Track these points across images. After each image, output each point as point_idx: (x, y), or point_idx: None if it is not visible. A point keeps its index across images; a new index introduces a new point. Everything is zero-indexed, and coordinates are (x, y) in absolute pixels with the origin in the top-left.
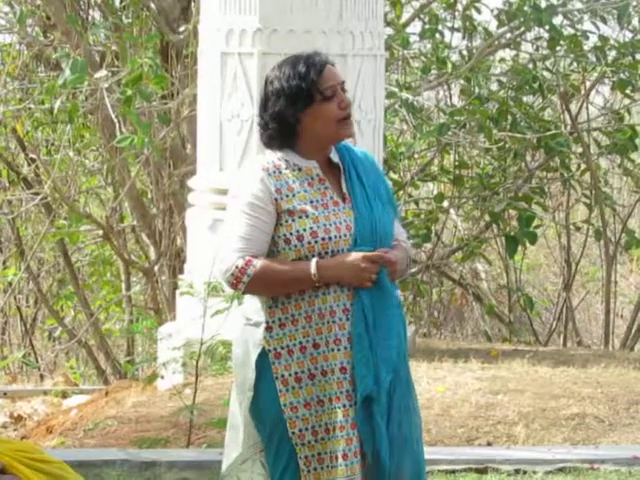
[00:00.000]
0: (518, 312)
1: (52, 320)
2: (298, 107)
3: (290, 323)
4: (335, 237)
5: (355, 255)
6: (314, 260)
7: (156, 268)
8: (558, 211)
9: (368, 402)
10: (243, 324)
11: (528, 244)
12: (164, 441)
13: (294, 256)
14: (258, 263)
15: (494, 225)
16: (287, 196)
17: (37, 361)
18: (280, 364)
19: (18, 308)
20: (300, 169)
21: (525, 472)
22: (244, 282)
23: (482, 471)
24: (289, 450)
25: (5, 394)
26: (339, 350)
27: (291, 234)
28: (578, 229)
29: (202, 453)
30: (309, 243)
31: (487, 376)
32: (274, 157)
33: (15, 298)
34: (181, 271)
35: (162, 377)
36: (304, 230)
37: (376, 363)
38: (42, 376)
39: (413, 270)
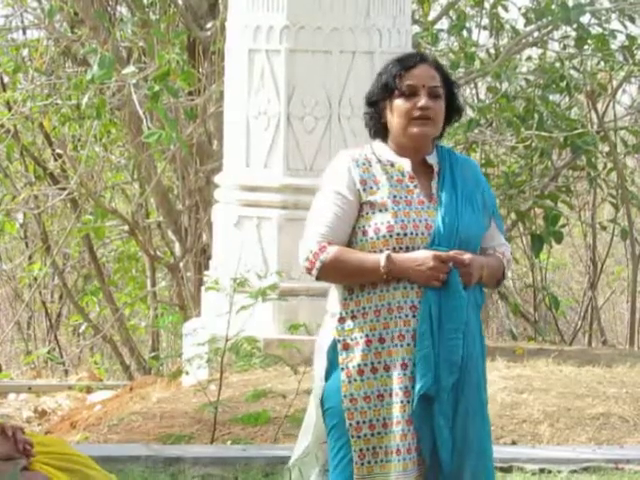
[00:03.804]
0: (543, 311)
1: (77, 316)
2: (382, 98)
3: (360, 316)
4: (411, 234)
5: (426, 253)
6: (386, 253)
7: (181, 264)
8: (584, 210)
9: (427, 401)
10: (326, 314)
11: (554, 243)
12: (188, 437)
13: (370, 248)
14: (332, 250)
15: (520, 223)
16: (371, 188)
17: (62, 356)
18: (347, 356)
19: (43, 303)
20: (392, 165)
21: (550, 471)
22: (317, 268)
23: (507, 470)
24: (348, 441)
25: (30, 389)
26: (402, 346)
27: (369, 226)
28: (604, 228)
29: (226, 449)
30: (384, 237)
31: (512, 375)
32: (368, 150)
33: (40, 293)
34: (206, 267)
35: (187, 373)
36: (381, 224)
37: (437, 363)
38: (67, 371)
39: None
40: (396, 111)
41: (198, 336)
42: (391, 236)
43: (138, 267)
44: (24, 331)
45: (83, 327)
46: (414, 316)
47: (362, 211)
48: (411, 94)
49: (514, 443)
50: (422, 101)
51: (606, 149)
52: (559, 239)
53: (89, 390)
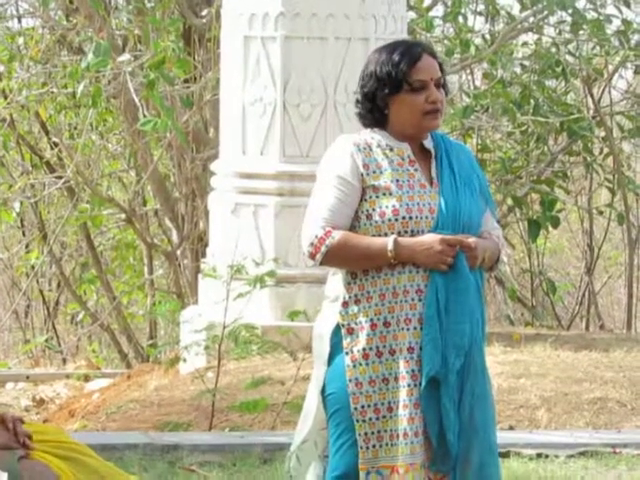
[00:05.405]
0: (540, 296)
1: (75, 305)
2: (386, 92)
3: (365, 300)
4: (416, 217)
5: (433, 236)
6: (392, 237)
7: (179, 252)
8: (581, 195)
9: (434, 384)
10: (324, 300)
11: (550, 228)
12: (186, 425)
13: (374, 232)
14: (337, 234)
15: (517, 209)
16: (374, 172)
17: (60, 345)
18: (352, 340)
19: (41, 292)
20: (392, 149)
21: (547, 456)
22: (322, 252)
23: (504, 455)
24: (350, 426)
25: (28, 378)
26: (408, 330)
27: (374, 210)
28: (601, 213)
29: (224, 436)
30: (390, 220)
31: (509, 360)
32: (367, 135)
33: (38, 282)
34: (204, 255)
35: (184, 360)
36: (387, 207)
37: (445, 346)
38: (64, 360)
39: None
40: (407, 106)
41: (195, 323)
42: (397, 219)
43: (135, 255)
44: (22, 320)
45: (81, 315)
46: (420, 300)
47: (365, 195)
48: (421, 88)
49: (511, 428)
50: (433, 95)
51: (602, 134)
52: (556, 224)
53: (87, 378)
